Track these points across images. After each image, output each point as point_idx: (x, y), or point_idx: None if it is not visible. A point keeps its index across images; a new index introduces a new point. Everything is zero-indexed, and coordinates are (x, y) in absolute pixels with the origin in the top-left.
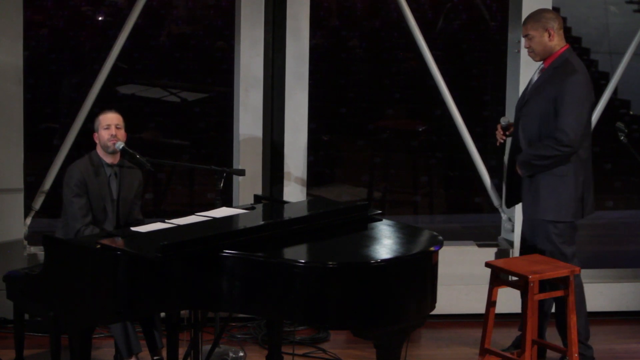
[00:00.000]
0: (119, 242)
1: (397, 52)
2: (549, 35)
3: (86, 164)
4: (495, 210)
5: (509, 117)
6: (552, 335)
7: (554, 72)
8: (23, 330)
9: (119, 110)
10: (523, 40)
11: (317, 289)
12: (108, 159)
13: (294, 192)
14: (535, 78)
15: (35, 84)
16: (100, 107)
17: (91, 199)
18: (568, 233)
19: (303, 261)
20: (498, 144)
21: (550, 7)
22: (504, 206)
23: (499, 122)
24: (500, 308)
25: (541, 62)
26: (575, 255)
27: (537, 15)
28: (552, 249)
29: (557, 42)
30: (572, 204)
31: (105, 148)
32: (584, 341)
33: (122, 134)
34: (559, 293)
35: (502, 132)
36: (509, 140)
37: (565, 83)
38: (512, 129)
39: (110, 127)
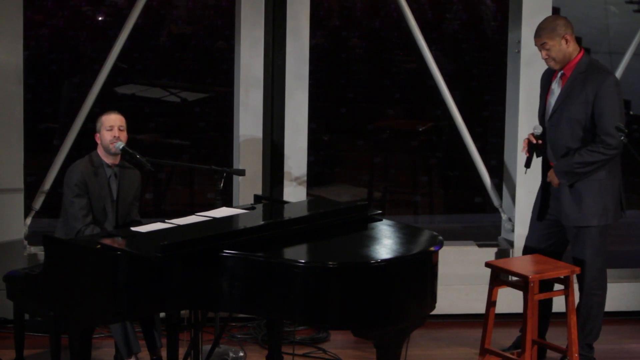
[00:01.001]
0: (119, 242)
1: (397, 52)
2: (566, 42)
3: (86, 165)
4: (495, 210)
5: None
6: (553, 336)
7: (584, 76)
8: (23, 330)
9: (119, 110)
10: (541, 52)
11: (317, 289)
12: (108, 160)
13: (294, 192)
14: (557, 87)
15: (35, 84)
16: (100, 107)
17: (91, 200)
18: (606, 234)
19: (303, 261)
20: (527, 153)
21: (551, 8)
22: (503, 207)
23: (532, 132)
24: (500, 308)
25: (560, 70)
26: None
27: (551, 24)
28: (593, 254)
29: (573, 48)
30: (614, 205)
31: (107, 149)
32: (591, 343)
33: (124, 135)
34: (559, 293)
35: (535, 141)
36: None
37: (603, 85)
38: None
39: (114, 128)
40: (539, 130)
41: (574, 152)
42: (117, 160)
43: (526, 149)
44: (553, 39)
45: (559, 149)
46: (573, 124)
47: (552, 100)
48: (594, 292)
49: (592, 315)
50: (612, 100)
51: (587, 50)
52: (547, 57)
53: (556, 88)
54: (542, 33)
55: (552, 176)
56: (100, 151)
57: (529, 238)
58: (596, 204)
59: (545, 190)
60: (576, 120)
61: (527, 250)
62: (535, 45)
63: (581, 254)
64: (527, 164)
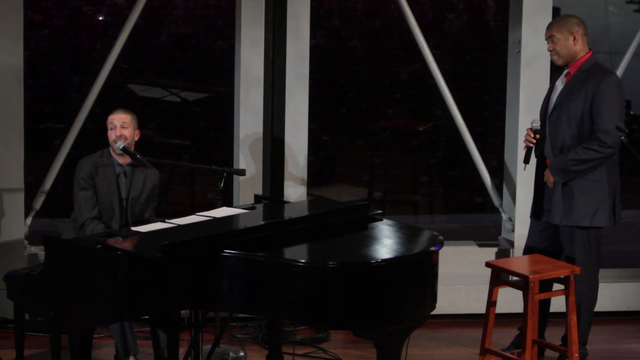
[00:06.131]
0: (119, 241)
1: (397, 52)
2: (574, 39)
3: (96, 159)
4: (495, 210)
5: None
6: (553, 335)
7: (587, 75)
8: (23, 330)
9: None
10: (548, 44)
11: (318, 288)
12: (119, 158)
13: (295, 192)
14: (560, 84)
15: (35, 84)
16: (100, 107)
17: (98, 195)
18: (600, 239)
19: (303, 261)
20: (525, 148)
21: (551, 8)
22: (503, 207)
23: (530, 127)
24: (500, 308)
25: (565, 69)
26: None
27: (563, 19)
28: (584, 255)
29: (581, 47)
30: (607, 209)
31: (112, 148)
32: (584, 342)
33: (129, 132)
34: (559, 293)
35: (532, 135)
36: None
37: (602, 84)
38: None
39: (116, 127)
40: (537, 124)
41: (569, 150)
42: (127, 159)
43: (529, 143)
44: (561, 33)
45: (557, 147)
46: (571, 121)
47: (555, 97)
48: (583, 293)
49: (581, 316)
50: (611, 99)
51: None
52: (552, 49)
53: (559, 85)
54: (552, 25)
55: (547, 175)
56: (112, 148)
57: (528, 238)
58: (588, 204)
59: (539, 190)
60: (574, 117)
61: (527, 250)
62: (545, 38)
63: (572, 254)
64: (526, 160)
